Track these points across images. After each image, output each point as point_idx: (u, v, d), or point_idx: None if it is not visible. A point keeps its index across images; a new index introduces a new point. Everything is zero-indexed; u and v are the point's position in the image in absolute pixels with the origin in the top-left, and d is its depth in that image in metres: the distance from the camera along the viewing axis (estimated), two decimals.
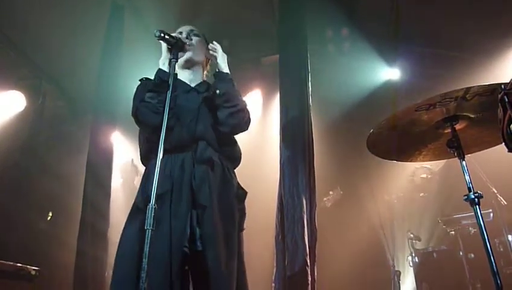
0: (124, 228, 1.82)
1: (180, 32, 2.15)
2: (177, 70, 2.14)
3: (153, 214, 1.47)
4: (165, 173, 1.83)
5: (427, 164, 4.96)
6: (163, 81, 1.90)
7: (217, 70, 2.09)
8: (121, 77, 4.94)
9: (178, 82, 2.10)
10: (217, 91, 1.98)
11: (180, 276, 1.70)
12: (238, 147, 2.13)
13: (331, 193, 5.34)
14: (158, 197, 1.61)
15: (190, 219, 1.76)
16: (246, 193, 2.03)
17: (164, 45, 1.96)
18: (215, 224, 1.77)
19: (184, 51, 1.98)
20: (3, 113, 5.49)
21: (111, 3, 5.10)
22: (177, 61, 1.90)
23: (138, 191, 1.89)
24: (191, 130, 1.93)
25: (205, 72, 2.25)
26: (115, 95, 4.83)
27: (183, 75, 2.14)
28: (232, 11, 5.28)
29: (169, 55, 1.93)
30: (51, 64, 5.78)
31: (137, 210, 1.77)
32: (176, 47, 1.91)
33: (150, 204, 1.49)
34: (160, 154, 1.62)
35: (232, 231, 1.85)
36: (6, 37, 5.30)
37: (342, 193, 5.34)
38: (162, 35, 1.86)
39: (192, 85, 2.14)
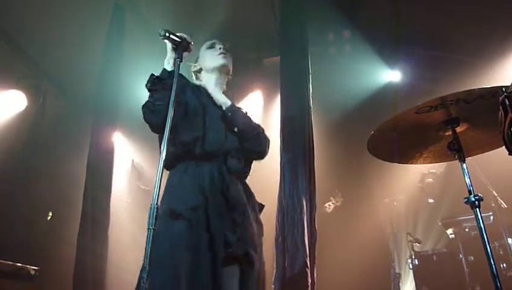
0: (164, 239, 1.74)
1: (213, 43, 2.21)
2: (207, 77, 2.21)
3: (155, 214, 1.45)
4: (197, 183, 1.86)
5: (433, 169, 4.95)
6: (157, 79, 1.94)
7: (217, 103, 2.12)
8: (122, 77, 4.95)
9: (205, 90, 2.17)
10: (235, 129, 2.03)
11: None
12: (251, 167, 2.17)
13: (331, 199, 5.32)
14: (192, 209, 1.75)
15: (229, 226, 1.81)
16: (263, 205, 2.13)
17: (169, 45, 1.95)
18: (252, 229, 1.88)
19: (189, 50, 1.95)
20: (4, 113, 5.49)
21: (112, 3, 5.11)
22: (181, 61, 1.88)
23: (170, 199, 1.85)
24: (221, 142, 1.98)
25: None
26: (116, 95, 4.83)
27: (212, 82, 2.19)
28: (234, 12, 5.29)
29: (174, 55, 1.93)
30: (52, 64, 5.78)
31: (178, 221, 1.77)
32: (181, 47, 1.89)
33: (152, 204, 1.47)
34: (163, 155, 1.59)
35: (260, 236, 1.97)
36: (7, 36, 5.30)
37: (342, 199, 5.32)
38: (167, 34, 1.85)
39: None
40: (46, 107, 6.00)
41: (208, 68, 2.20)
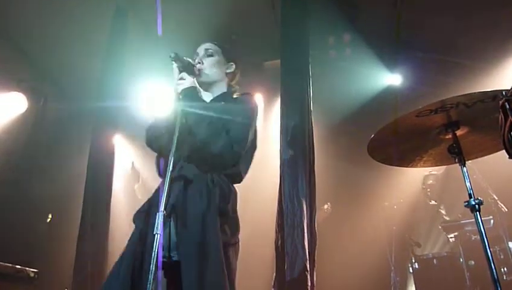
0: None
1: (197, 53, 2.16)
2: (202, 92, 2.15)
3: (161, 220, 1.49)
4: None
5: (434, 170, 4.93)
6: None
7: None
8: (123, 80, 4.96)
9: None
10: None
11: None
12: None
13: (328, 203, 5.32)
14: None
15: None
16: None
17: (175, 66, 1.99)
18: None
19: (193, 73, 2.01)
20: (4, 115, 5.49)
21: (114, 7, 5.13)
22: None
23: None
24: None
25: (227, 86, 2.21)
26: (116, 98, 4.84)
27: (207, 98, 2.14)
28: (235, 15, 5.30)
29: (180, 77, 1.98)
30: (53, 67, 5.80)
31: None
32: (187, 70, 1.97)
33: (159, 209, 1.51)
34: (171, 161, 1.66)
35: None
36: (8, 39, 5.32)
37: (331, 210, 5.33)
38: (177, 57, 1.93)
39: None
40: (47, 110, 6.00)
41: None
